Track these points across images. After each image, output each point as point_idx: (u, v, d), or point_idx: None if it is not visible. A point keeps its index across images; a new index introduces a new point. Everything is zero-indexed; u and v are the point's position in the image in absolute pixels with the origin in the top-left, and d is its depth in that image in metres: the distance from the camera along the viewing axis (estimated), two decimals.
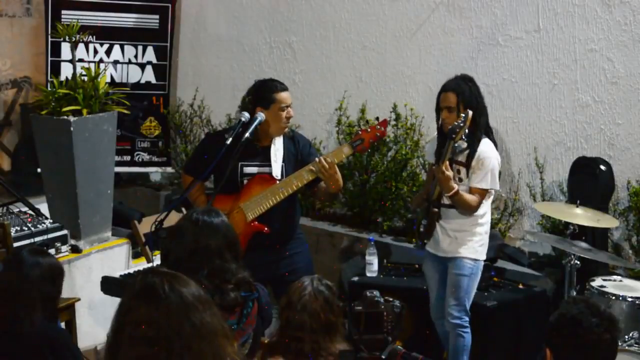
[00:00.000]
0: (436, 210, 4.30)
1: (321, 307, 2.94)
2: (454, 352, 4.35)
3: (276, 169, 4.27)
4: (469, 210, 4.28)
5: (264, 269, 4.06)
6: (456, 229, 4.33)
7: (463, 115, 4.13)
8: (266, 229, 4.22)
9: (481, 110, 4.30)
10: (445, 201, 4.32)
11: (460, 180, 4.28)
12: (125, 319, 2.10)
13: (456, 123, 4.12)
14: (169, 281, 2.13)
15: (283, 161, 4.30)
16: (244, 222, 4.20)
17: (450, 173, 4.17)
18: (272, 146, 4.32)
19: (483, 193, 4.27)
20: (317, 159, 4.17)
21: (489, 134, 4.37)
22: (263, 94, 4.30)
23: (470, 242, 4.32)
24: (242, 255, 3.20)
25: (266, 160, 4.28)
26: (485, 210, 4.37)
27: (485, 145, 4.29)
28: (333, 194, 4.46)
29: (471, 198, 4.24)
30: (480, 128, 4.28)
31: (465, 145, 4.26)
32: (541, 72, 5.52)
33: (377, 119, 4.43)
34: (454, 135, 4.11)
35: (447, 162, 4.17)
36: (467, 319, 4.35)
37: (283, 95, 4.29)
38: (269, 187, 4.21)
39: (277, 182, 4.23)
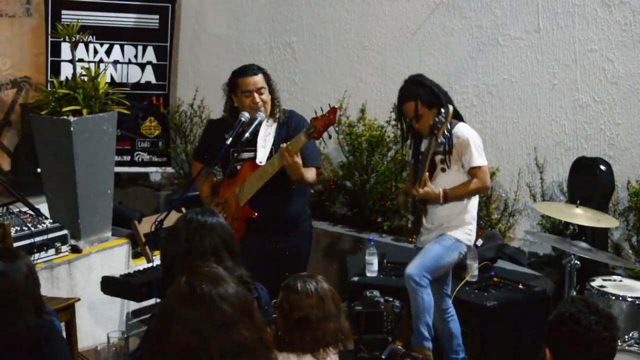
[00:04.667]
0: (422, 205, 4.31)
1: (321, 299, 2.97)
2: (414, 314, 4.21)
3: (261, 154, 4.24)
4: (478, 192, 4.32)
5: (262, 267, 4.05)
6: (443, 222, 4.29)
7: (443, 110, 4.11)
8: (256, 214, 4.21)
9: (443, 100, 4.23)
10: None
11: (444, 170, 4.24)
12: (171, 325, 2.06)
13: (437, 119, 4.11)
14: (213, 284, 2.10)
15: (273, 145, 4.26)
16: (237, 207, 4.22)
17: (429, 188, 4.19)
18: (262, 131, 4.28)
19: (482, 170, 4.22)
20: (281, 146, 4.10)
21: (461, 119, 4.34)
22: (231, 79, 4.29)
23: (455, 225, 4.28)
24: (239, 254, 3.20)
25: (253, 146, 4.26)
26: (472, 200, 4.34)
27: (460, 127, 4.25)
28: (298, 181, 4.26)
29: (470, 184, 4.22)
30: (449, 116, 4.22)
31: (441, 137, 4.20)
32: (541, 72, 5.52)
33: (329, 105, 4.20)
34: (436, 131, 4.11)
35: (427, 176, 4.17)
36: (427, 280, 4.19)
37: (245, 80, 4.21)
38: (255, 172, 4.22)
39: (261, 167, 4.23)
